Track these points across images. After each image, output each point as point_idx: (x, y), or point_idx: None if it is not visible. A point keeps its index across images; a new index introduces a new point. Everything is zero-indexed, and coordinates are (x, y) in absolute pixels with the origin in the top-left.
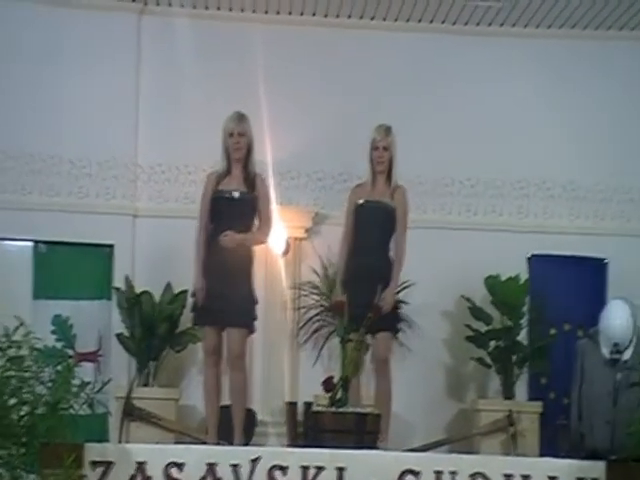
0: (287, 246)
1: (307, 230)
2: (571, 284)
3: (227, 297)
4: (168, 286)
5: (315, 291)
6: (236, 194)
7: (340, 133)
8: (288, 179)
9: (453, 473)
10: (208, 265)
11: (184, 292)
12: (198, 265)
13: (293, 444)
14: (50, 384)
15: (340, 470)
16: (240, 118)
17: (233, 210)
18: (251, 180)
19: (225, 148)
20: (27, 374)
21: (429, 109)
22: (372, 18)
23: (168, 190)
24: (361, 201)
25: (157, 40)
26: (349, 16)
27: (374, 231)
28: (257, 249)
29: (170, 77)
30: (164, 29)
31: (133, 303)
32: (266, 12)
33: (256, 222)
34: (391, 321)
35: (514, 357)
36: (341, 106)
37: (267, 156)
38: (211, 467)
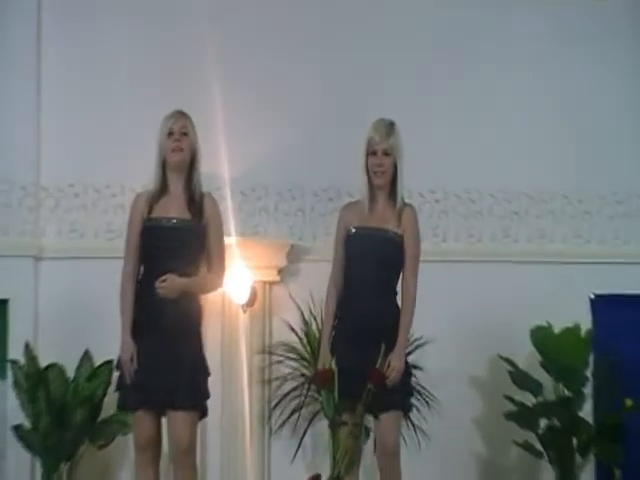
0: (252, 294)
1: (280, 271)
2: None
3: (168, 368)
4: (86, 356)
5: (293, 356)
6: (177, 222)
7: (321, 135)
8: (252, 200)
9: None
10: (140, 324)
11: (108, 363)
12: (126, 324)
13: None
14: None
15: None
16: (182, 114)
17: (173, 244)
18: (197, 201)
19: (160, 156)
20: None
21: (438, 102)
22: None
23: (84, 220)
24: (354, 228)
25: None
26: None
27: (373, 269)
28: (209, 299)
29: (83, 69)
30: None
31: (36, 381)
32: None
33: (205, 261)
34: (400, 395)
35: (575, 440)
36: (323, 101)
37: (223, 169)
38: None
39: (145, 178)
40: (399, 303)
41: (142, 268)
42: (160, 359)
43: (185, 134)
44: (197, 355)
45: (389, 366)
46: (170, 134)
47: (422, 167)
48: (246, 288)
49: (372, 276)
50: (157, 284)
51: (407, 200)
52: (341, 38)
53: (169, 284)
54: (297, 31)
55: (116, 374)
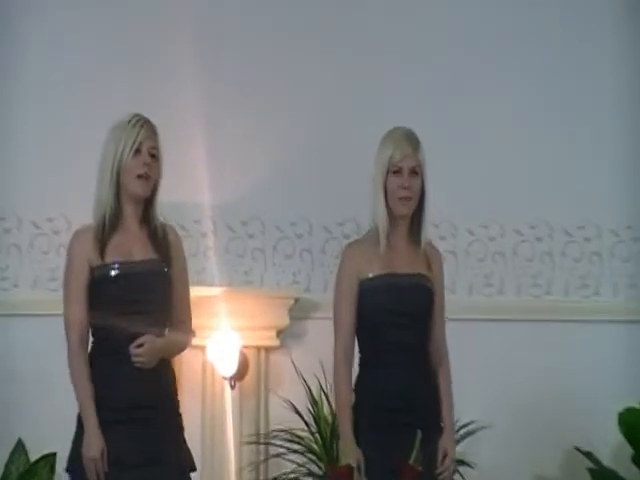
0: (243, 364)
1: (280, 332)
2: None
3: (150, 468)
4: (18, 447)
5: (297, 447)
6: (145, 266)
7: (333, 153)
8: (243, 237)
9: None
10: (105, 409)
11: (50, 457)
12: (87, 407)
13: None
14: None
15: None
16: (151, 126)
17: (144, 297)
18: (161, 237)
19: (113, 177)
20: None
21: (457, 117)
22: None
23: (17, 265)
24: (373, 275)
25: None
26: None
27: (406, 329)
28: (184, 371)
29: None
30: None
31: None
32: None
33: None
34: None
35: None
36: (335, 109)
37: (202, 195)
38: None
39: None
40: (436, 371)
41: (103, 332)
42: (141, 456)
43: (154, 156)
44: (182, 447)
45: (443, 457)
46: (137, 152)
47: (467, 194)
48: (234, 356)
49: (404, 339)
50: (132, 350)
51: (437, 238)
52: (351, 42)
53: (149, 348)
54: (301, 30)
55: (67, 476)
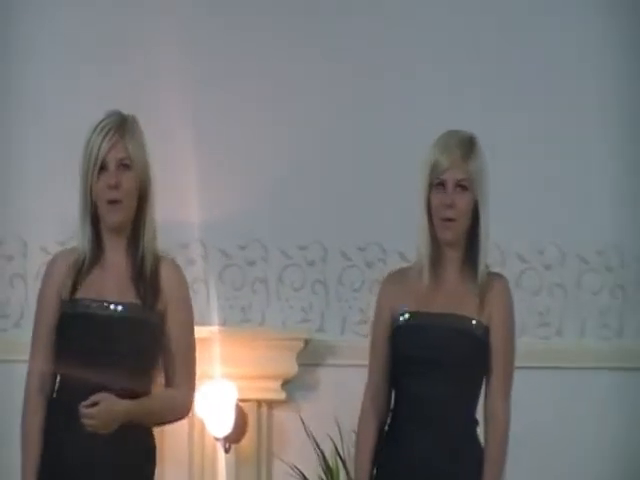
0: (240, 422)
1: (286, 383)
2: None
3: None
4: None
5: None
6: (117, 310)
7: (353, 160)
8: (241, 264)
9: None
10: (53, 477)
11: None
12: (28, 475)
13: None
14: None
15: None
16: (119, 127)
17: (110, 346)
18: (149, 273)
19: (86, 201)
20: None
21: (508, 124)
22: None
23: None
24: (408, 314)
25: None
26: None
27: (442, 384)
28: (168, 431)
29: None
30: None
31: None
32: None
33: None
34: None
35: None
36: (350, 110)
37: (191, 214)
38: None
39: (66, 230)
40: (481, 440)
41: (58, 382)
42: None
43: (126, 166)
44: None
45: None
46: (102, 169)
47: (517, 212)
48: (229, 412)
49: (439, 395)
50: (82, 410)
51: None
52: (364, 50)
53: (104, 410)
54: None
55: None
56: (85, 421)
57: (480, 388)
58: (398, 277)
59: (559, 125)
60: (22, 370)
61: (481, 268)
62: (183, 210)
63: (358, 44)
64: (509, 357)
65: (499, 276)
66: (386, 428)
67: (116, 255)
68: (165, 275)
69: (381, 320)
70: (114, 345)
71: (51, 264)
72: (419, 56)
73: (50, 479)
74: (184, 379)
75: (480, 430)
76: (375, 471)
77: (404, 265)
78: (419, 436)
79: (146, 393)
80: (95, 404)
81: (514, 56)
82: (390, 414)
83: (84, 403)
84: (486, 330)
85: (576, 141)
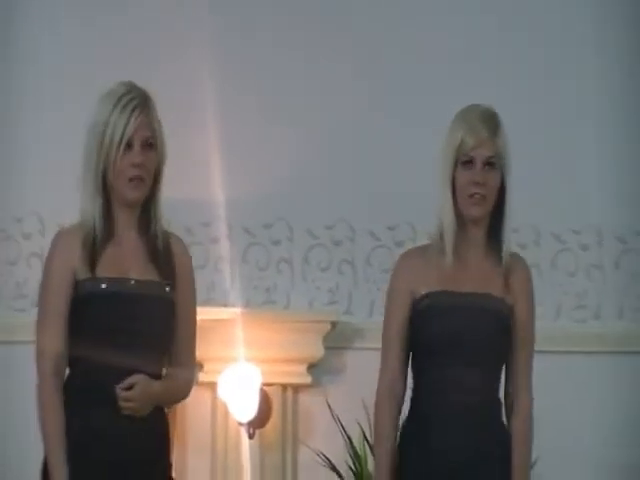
0: (264, 407)
1: (311, 366)
2: None
3: None
4: None
5: None
6: (140, 286)
7: (380, 136)
8: (265, 243)
9: None
10: (80, 464)
11: None
12: (57, 462)
13: None
14: None
15: None
16: (145, 103)
17: (138, 325)
18: (163, 249)
19: (98, 175)
20: None
21: (540, 100)
22: None
23: None
24: (428, 294)
25: None
26: None
27: (469, 366)
28: (189, 415)
29: None
30: None
31: None
32: None
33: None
34: None
35: None
36: (387, 87)
37: (214, 190)
38: None
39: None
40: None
41: (79, 364)
42: None
43: (151, 145)
44: None
45: None
46: (127, 146)
47: (553, 190)
48: (253, 396)
49: (471, 378)
50: (121, 393)
51: (515, 246)
52: (384, 36)
53: (141, 392)
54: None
55: None
56: (122, 404)
57: (502, 369)
58: (416, 257)
59: (595, 104)
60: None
61: (505, 246)
62: (207, 188)
63: (377, 34)
64: (533, 338)
65: (520, 257)
66: (405, 416)
67: (129, 232)
68: (177, 253)
69: (399, 302)
70: (145, 324)
71: (58, 241)
72: (434, 41)
73: (78, 467)
74: (190, 358)
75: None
76: (400, 461)
77: (419, 244)
78: (452, 422)
79: (161, 371)
80: (131, 387)
81: (515, 56)
82: (412, 401)
83: (120, 385)
84: (511, 310)
85: (612, 124)
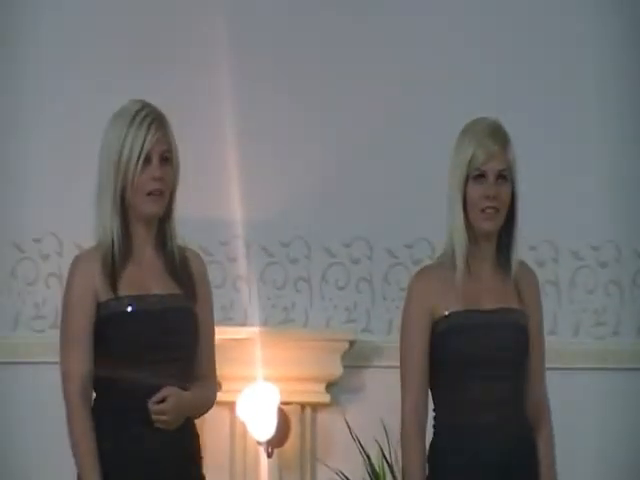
0: (283, 426)
1: (330, 385)
2: None
3: None
4: None
5: None
6: (166, 301)
7: (399, 154)
8: (283, 261)
9: None
10: None
11: None
12: None
13: None
14: None
15: None
16: (160, 119)
17: (166, 340)
18: (181, 264)
19: (116, 192)
20: None
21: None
22: None
23: None
24: (447, 311)
25: None
26: None
27: (497, 381)
28: (207, 435)
29: None
30: None
31: None
32: None
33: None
34: None
35: None
36: (404, 102)
37: (232, 209)
38: None
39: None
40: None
41: (96, 391)
42: None
43: (168, 160)
44: None
45: None
46: (146, 161)
47: (571, 206)
48: (272, 415)
49: (494, 395)
50: (153, 407)
51: (533, 263)
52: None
53: (174, 404)
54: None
55: None
56: (156, 417)
57: (522, 389)
58: (431, 276)
59: (611, 116)
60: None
61: (515, 258)
62: (225, 207)
63: (391, 49)
64: (544, 344)
65: (526, 264)
66: (433, 438)
67: (145, 248)
68: (195, 267)
69: (419, 326)
70: (174, 338)
71: (77, 264)
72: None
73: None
74: (212, 370)
75: None
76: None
77: (430, 263)
78: (492, 438)
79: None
80: (164, 400)
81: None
82: (440, 417)
83: (153, 399)
84: (527, 319)
85: (625, 140)
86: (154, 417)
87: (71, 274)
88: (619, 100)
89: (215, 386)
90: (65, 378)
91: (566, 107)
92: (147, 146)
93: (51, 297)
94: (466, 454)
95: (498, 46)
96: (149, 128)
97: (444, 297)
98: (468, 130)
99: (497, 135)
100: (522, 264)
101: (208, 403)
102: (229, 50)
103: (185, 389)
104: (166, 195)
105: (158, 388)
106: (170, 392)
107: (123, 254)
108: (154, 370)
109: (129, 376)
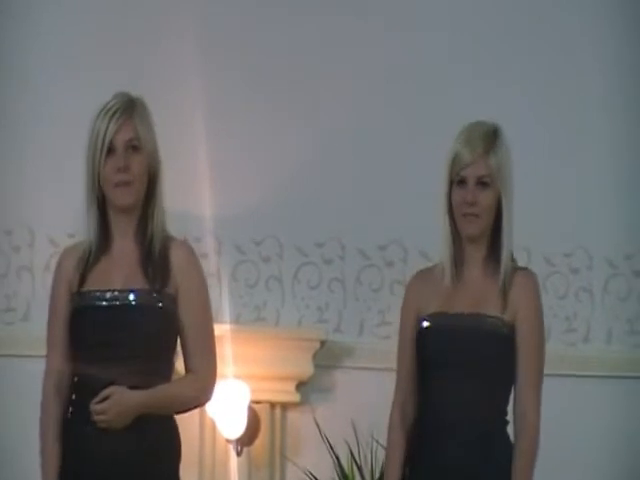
0: (252, 425)
1: (300, 385)
2: None
3: None
4: None
5: None
6: (120, 296)
7: (375, 151)
8: (255, 260)
9: None
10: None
11: None
12: None
13: None
14: None
15: None
16: (127, 108)
17: (116, 336)
18: (158, 256)
19: (93, 185)
20: None
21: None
22: None
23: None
24: (428, 318)
25: None
26: None
27: (468, 388)
28: (180, 433)
29: None
30: None
31: None
32: None
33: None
34: None
35: None
36: (374, 102)
37: (203, 205)
38: None
39: (76, 222)
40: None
41: (75, 381)
42: None
43: (135, 148)
44: None
45: None
46: (110, 152)
47: (544, 212)
48: (242, 414)
49: (467, 398)
50: (92, 407)
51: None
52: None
53: (115, 403)
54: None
55: None
56: (96, 417)
57: (511, 387)
58: (423, 277)
59: (592, 125)
60: (29, 365)
61: (504, 264)
62: (197, 203)
63: (379, 41)
64: (536, 353)
65: (524, 271)
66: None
67: (124, 241)
68: (175, 257)
69: (407, 323)
70: (124, 335)
71: (60, 259)
72: (449, 55)
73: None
74: (201, 363)
75: (510, 429)
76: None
77: (428, 264)
78: (451, 442)
79: (166, 380)
80: (105, 399)
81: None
82: (417, 420)
83: (95, 399)
84: (512, 327)
85: (610, 144)
86: (95, 417)
87: (55, 268)
88: (608, 103)
89: (203, 381)
90: (44, 374)
91: (564, 111)
92: (109, 136)
93: (22, 290)
94: (434, 454)
95: (492, 52)
96: (111, 118)
97: (428, 299)
98: (458, 135)
99: (480, 141)
100: (519, 272)
101: (187, 399)
102: (199, 45)
103: (147, 386)
104: (135, 185)
105: (108, 386)
106: (111, 391)
107: (98, 249)
108: (105, 368)
109: (82, 373)
